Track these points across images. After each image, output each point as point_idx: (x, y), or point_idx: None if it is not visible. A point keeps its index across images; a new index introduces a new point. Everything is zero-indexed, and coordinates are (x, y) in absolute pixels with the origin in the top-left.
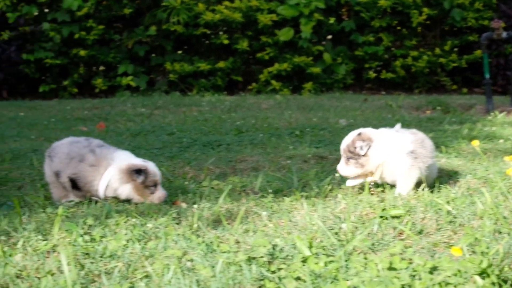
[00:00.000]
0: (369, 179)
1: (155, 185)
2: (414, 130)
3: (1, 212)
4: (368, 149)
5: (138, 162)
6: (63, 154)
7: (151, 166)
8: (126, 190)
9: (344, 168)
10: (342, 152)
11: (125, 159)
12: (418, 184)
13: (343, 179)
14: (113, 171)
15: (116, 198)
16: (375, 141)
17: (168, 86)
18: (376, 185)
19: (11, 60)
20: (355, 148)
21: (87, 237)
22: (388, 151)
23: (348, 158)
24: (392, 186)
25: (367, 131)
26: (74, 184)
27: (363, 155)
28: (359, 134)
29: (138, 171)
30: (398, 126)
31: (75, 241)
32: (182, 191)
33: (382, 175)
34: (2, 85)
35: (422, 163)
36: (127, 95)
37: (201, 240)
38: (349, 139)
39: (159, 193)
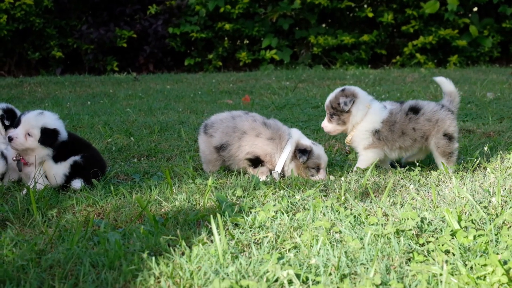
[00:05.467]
0: (348, 139)
1: (317, 168)
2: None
3: (152, 182)
4: (352, 104)
5: (306, 142)
6: (228, 128)
7: (317, 149)
8: (290, 167)
9: (327, 125)
10: (326, 108)
11: (298, 136)
12: None
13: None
14: (290, 147)
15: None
16: (359, 98)
17: (311, 59)
18: None
19: (158, 34)
20: (338, 104)
21: (236, 208)
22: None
23: (331, 115)
24: None
25: (351, 88)
26: (255, 162)
27: (347, 112)
28: (343, 90)
29: (303, 151)
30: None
31: (224, 212)
32: (329, 163)
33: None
34: (149, 59)
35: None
36: (271, 68)
37: (349, 212)
38: (332, 95)
39: (319, 177)
